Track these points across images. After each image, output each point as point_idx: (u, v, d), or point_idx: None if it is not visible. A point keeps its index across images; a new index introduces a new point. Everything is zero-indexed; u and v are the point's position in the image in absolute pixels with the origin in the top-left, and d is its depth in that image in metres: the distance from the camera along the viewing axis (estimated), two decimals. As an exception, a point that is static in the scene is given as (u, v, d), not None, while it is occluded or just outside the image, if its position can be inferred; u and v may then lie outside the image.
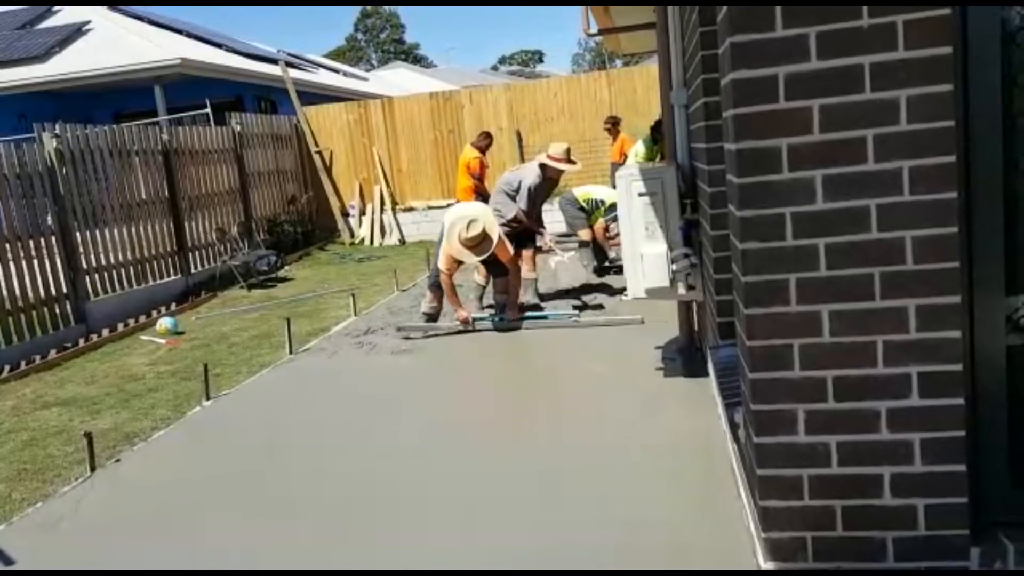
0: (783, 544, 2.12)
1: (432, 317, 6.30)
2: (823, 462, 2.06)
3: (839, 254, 1.97)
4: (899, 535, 2.05)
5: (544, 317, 6.07)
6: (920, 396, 1.99)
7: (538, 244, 6.66)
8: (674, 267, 3.91)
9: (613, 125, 10.66)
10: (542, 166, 6.37)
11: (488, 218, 5.83)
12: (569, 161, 6.39)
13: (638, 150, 9.03)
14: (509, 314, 5.97)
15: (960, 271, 1.95)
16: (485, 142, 9.08)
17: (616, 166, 9.84)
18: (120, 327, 7.61)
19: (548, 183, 6.55)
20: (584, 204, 7.69)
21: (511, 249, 5.95)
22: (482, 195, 9.60)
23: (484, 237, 5.62)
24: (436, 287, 6.24)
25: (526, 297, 6.30)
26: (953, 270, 1.94)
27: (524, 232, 6.54)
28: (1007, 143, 1.98)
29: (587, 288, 7.08)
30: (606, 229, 7.62)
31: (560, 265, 6.26)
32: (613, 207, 7.21)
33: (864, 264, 1.96)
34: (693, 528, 2.77)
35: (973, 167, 1.98)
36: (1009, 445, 2.08)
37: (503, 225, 6.47)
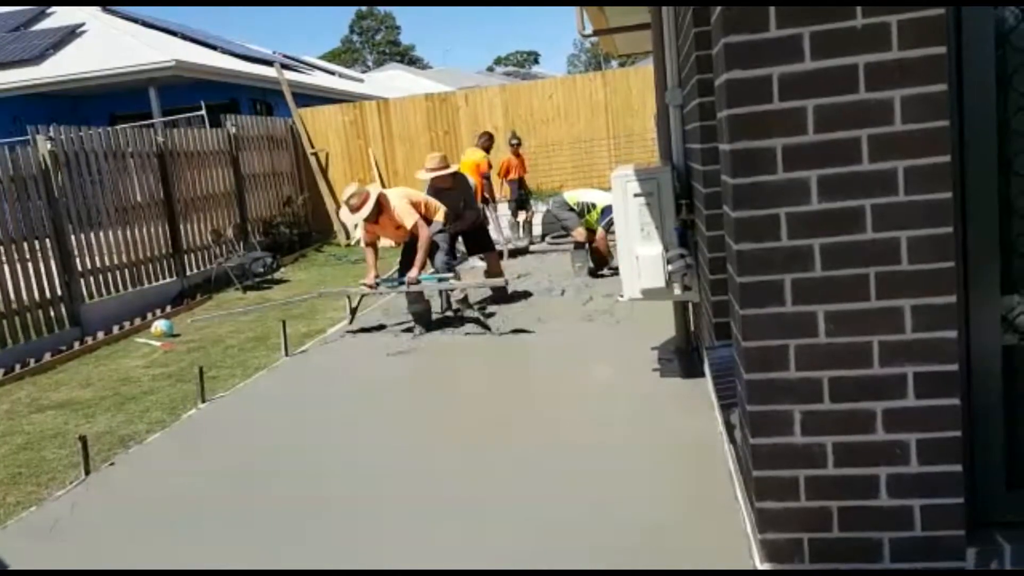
0: (779, 545, 2.11)
1: (421, 316, 6.30)
2: (819, 463, 2.06)
3: (834, 254, 1.97)
4: (895, 536, 2.05)
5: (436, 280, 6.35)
6: (916, 396, 1.98)
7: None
8: (670, 268, 3.91)
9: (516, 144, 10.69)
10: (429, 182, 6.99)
11: (391, 193, 6.34)
12: (443, 167, 6.96)
13: None
14: (411, 273, 6.16)
15: (955, 271, 1.95)
16: (489, 143, 9.15)
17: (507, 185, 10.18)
18: (115, 330, 7.59)
19: (448, 191, 6.95)
20: (574, 207, 7.73)
21: (412, 219, 6.16)
22: (488, 195, 9.69)
23: (364, 201, 6.05)
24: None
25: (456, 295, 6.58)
26: (948, 270, 1.93)
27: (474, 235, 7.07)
28: (1001, 143, 1.98)
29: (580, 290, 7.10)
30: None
31: (471, 272, 6.36)
32: (607, 210, 7.24)
33: (859, 264, 1.96)
34: (689, 529, 2.77)
35: (968, 167, 1.98)
36: (1005, 445, 2.09)
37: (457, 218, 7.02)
